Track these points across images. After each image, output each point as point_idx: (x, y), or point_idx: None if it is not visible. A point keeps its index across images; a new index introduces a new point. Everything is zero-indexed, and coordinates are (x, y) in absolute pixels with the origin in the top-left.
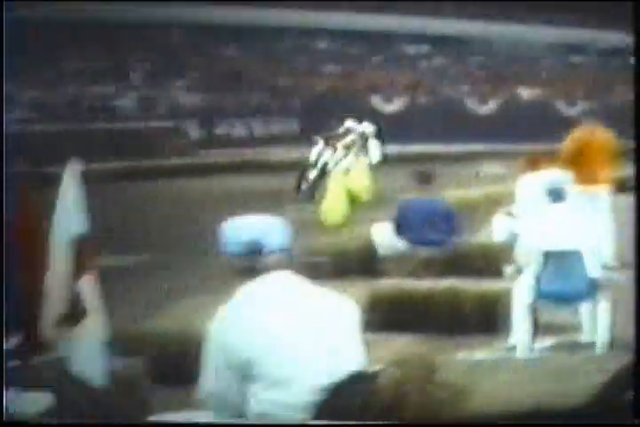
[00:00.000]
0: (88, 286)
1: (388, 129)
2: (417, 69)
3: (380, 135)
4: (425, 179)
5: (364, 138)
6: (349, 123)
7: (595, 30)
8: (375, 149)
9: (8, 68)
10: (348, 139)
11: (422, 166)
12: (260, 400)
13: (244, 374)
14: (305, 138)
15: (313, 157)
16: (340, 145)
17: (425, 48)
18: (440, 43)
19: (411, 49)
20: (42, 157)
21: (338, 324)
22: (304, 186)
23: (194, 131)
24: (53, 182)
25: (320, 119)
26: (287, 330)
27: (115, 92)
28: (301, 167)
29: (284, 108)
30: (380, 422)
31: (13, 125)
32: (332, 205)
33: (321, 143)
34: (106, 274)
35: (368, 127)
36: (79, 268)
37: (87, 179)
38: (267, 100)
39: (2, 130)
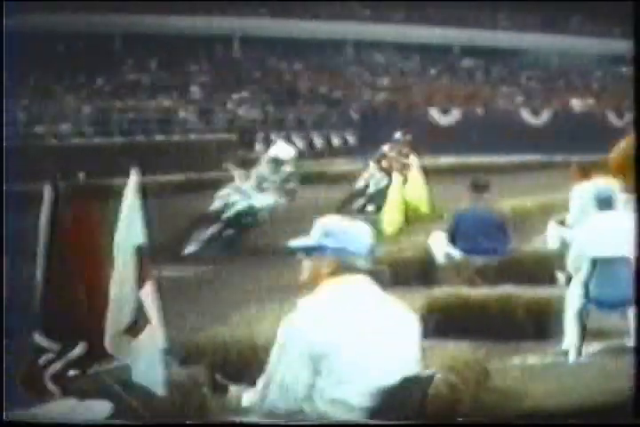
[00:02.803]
0: (148, 296)
1: (445, 141)
2: (472, 82)
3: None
4: (480, 188)
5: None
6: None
7: None
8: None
9: (70, 80)
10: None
11: (477, 176)
12: (324, 398)
13: (316, 367)
14: (362, 150)
15: (362, 182)
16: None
17: (480, 61)
18: (495, 55)
19: (466, 62)
20: (102, 170)
21: (401, 331)
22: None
23: (253, 144)
24: (113, 195)
25: (377, 132)
26: (358, 330)
27: (175, 105)
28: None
29: (341, 121)
30: (388, 422)
31: (71, 138)
32: (391, 216)
33: (372, 166)
34: (167, 284)
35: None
36: (140, 278)
37: (148, 191)
38: (324, 113)
39: (1, 140)
